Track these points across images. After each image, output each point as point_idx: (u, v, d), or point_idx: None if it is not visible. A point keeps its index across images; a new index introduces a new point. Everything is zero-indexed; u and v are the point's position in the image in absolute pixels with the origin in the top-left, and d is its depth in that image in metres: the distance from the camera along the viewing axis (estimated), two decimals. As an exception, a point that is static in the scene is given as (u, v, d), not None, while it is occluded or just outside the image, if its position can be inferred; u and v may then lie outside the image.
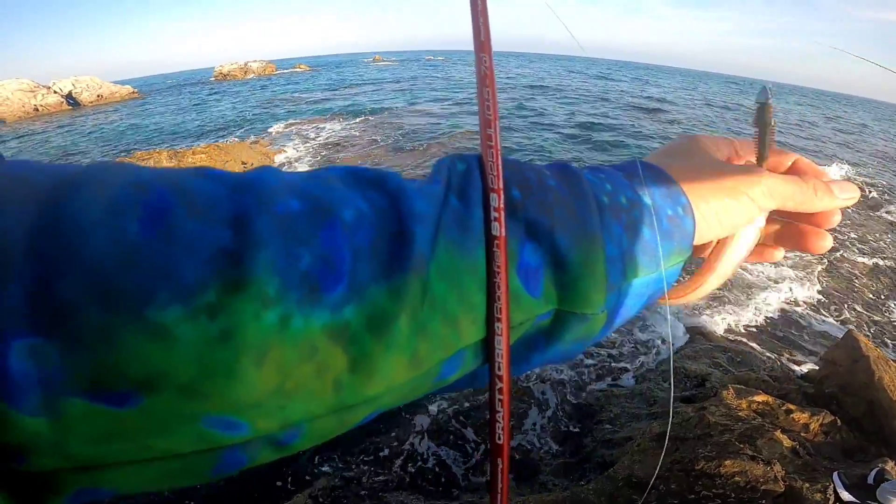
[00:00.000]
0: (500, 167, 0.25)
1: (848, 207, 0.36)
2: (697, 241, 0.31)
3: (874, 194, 9.62)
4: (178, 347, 0.16)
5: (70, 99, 30.04)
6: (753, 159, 0.35)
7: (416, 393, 0.24)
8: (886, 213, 8.62)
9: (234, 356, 0.17)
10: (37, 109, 27.22)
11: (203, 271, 0.17)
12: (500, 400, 0.25)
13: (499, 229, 0.24)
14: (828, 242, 0.36)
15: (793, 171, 0.36)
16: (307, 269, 0.19)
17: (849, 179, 0.38)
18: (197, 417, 0.17)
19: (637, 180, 0.30)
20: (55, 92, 29.52)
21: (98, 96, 31.37)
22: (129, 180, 0.18)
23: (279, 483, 2.60)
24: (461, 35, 0.25)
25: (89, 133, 17.45)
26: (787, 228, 0.37)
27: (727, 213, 0.32)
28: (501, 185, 0.25)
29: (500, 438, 0.26)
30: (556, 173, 0.28)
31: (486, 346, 0.24)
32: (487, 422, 0.26)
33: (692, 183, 0.32)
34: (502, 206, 0.24)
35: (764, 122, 0.33)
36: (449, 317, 0.22)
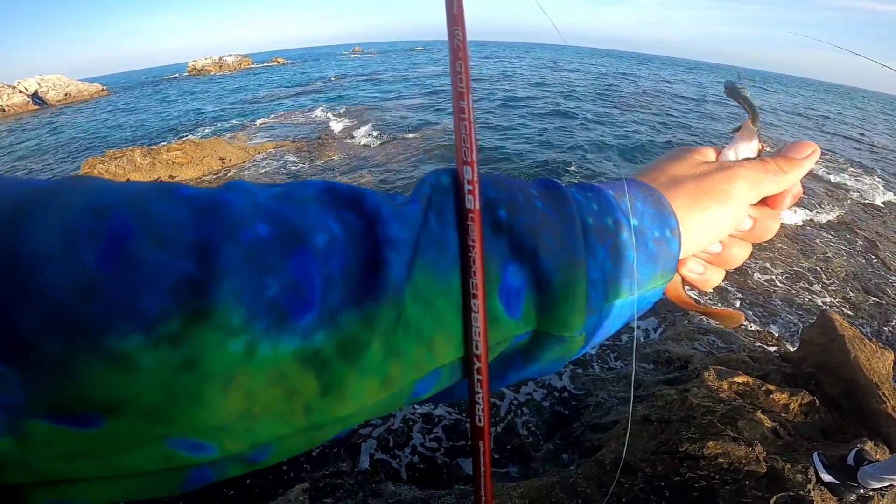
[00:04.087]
0: (474, 139, 0.25)
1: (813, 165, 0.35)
2: (684, 255, 0.31)
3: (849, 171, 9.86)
4: (140, 374, 0.16)
5: (36, 98, 29.16)
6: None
7: (388, 409, 0.23)
8: (850, 189, 8.87)
9: (198, 383, 0.17)
10: (3, 110, 26.31)
11: (165, 301, 0.17)
12: (478, 381, 0.25)
13: (472, 202, 0.24)
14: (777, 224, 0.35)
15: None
16: (275, 298, 0.19)
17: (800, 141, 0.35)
18: (162, 439, 0.17)
19: (625, 201, 0.30)
20: (20, 91, 28.57)
21: (66, 95, 30.44)
22: (88, 204, 0.17)
23: (272, 477, 2.60)
24: (442, 24, 0.25)
25: (56, 132, 16.91)
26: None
27: (714, 222, 0.32)
28: (475, 157, 0.24)
29: (480, 420, 0.26)
30: (544, 192, 0.28)
31: (464, 362, 0.24)
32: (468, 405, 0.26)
33: (676, 193, 0.32)
34: (476, 178, 0.24)
35: (741, 96, 0.37)
36: (423, 339, 0.22)
